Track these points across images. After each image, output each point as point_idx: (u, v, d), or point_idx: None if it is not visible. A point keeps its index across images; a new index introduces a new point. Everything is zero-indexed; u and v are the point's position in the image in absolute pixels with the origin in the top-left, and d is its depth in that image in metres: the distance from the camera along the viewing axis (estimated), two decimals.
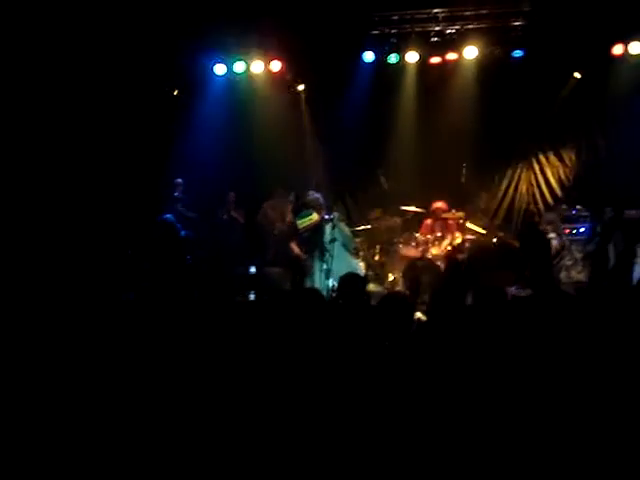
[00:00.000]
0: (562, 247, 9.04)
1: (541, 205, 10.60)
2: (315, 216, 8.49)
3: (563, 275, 9.05)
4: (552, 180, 10.59)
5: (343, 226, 8.74)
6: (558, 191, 10.53)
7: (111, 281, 7.38)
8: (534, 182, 10.72)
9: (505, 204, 10.84)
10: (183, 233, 9.53)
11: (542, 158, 10.66)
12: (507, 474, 2.61)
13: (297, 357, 3.13)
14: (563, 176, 10.56)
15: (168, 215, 9.63)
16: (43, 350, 3.44)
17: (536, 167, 10.70)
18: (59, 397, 3.10)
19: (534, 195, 10.73)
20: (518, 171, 10.83)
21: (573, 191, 10.16)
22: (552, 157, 10.62)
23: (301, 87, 10.84)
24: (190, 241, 9.42)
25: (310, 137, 10.65)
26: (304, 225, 8.50)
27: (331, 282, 7.92)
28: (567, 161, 10.55)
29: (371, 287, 8.74)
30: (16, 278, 6.31)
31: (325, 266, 8.15)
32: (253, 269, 9.70)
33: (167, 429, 2.90)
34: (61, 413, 3.02)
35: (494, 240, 9.29)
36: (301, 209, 8.94)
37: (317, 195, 8.70)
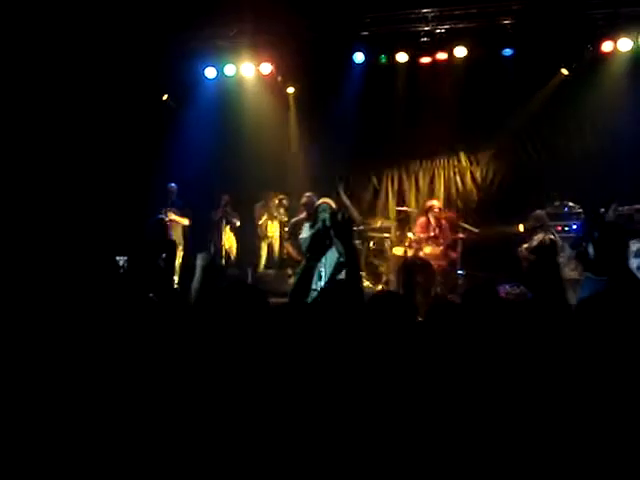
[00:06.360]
0: (555, 244, 8.97)
1: None
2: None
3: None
4: None
5: None
6: None
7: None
8: None
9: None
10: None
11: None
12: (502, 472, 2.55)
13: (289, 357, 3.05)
14: None
15: (161, 216, 9.56)
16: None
17: None
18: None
19: None
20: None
21: (553, 191, 10.01)
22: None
23: (291, 90, 10.84)
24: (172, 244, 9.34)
25: (301, 139, 10.63)
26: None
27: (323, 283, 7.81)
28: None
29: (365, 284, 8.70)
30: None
31: (321, 268, 8.06)
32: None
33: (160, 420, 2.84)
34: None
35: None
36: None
37: (311, 196, 8.64)
